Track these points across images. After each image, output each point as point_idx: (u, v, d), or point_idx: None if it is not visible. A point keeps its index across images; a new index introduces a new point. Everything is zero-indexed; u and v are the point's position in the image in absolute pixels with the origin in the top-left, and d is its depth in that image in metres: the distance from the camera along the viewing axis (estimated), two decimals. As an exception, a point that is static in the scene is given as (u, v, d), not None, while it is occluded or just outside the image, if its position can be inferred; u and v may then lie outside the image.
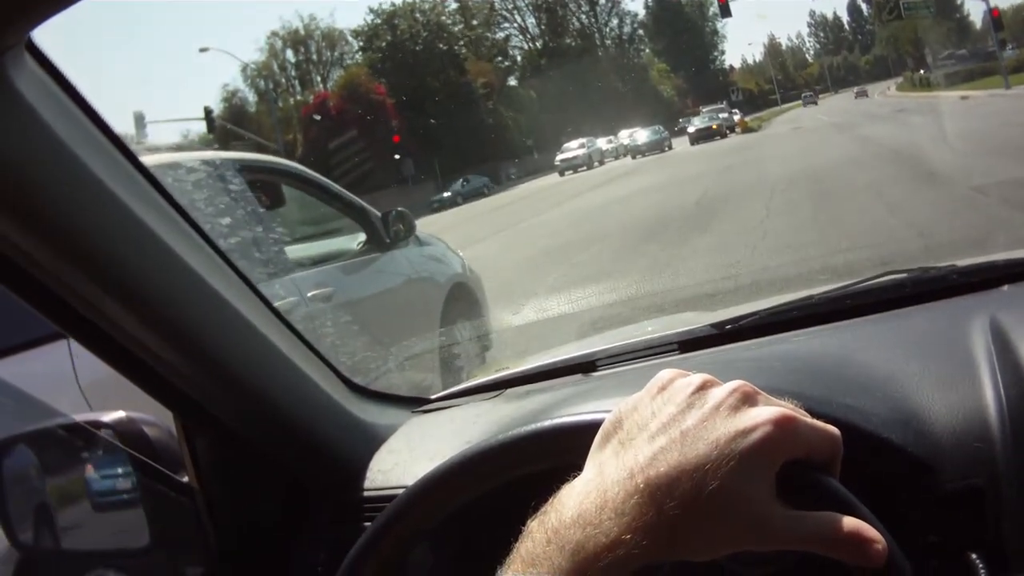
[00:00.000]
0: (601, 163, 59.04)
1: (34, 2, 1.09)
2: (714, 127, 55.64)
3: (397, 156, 54.38)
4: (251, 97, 72.74)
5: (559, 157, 59.32)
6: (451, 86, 69.22)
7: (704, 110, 66.48)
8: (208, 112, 49.74)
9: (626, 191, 27.56)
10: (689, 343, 1.95)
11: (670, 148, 55.69)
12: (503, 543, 1.02)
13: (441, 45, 76.07)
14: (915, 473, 1.27)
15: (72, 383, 4.13)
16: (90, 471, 2.02)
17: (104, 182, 1.34)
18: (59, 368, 4.17)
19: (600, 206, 24.40)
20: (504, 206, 36.54)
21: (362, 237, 6.93)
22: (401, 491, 1.34)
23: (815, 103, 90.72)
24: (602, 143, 62.63)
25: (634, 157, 55.51)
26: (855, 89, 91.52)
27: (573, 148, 59.99)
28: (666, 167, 36.06)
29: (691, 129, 58.05)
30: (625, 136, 62.55)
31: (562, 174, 55.86)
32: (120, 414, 1.83)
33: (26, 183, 1.24)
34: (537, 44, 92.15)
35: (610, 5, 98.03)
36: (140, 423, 1.84)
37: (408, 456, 1.85)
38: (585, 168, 56.27)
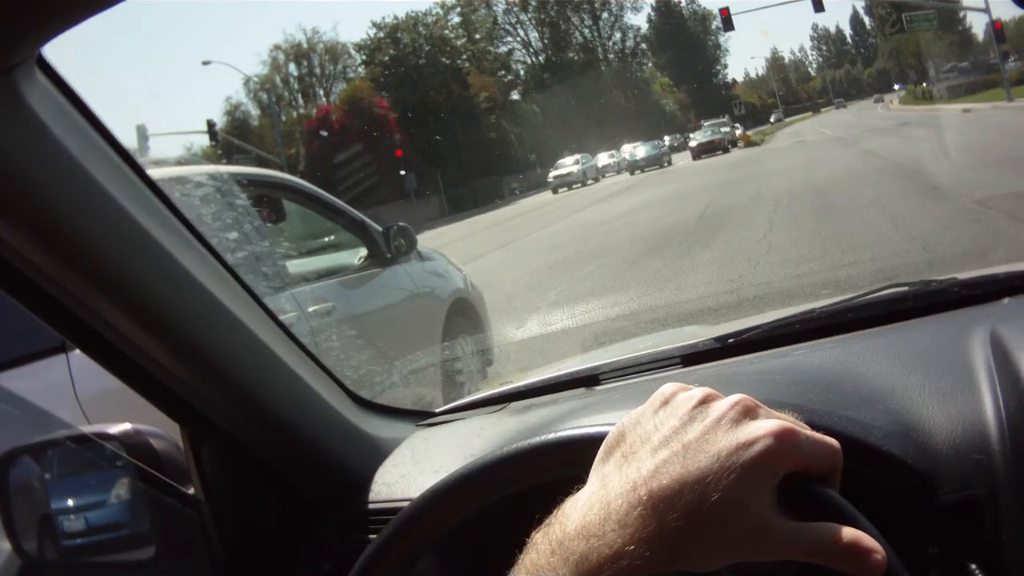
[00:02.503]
0: (597, 180, 57.20)
1: (45, 19, 1.10)
2: (715, 140, 54.72)
3: (400, 171, 54.20)
4: (254, 110, 72.62)
5: (552, 174, 57.08)
6: (454, 100, 68.99)
7: (705, 124, 65.71)
8: (211, 125, 49.68)
9: (627, 207, 27.50)
10: (691, 357, 1.96)
11: (669, 163, 54.65)
12: (507, 554, 1.03)
13: (444, 59, 75.87)
14: (915, 485, 1.28)
15: (69, 397, 4.13)
16: (95, 482, 2.03)
17: (112, 195, 1.35)
18: (55, 382, 4.17)
19: (603, 221, 24.37)
20: (506, 220, 36.53)
21: (363, 252, 6.93)
22: (406, 504, 1.35)
23: (845, 106, 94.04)
24: (603, 157, 61.53)
25: (632, 173, 54.23)
26: (872, 97, 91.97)
27: (567, 164, 57.92)
28: (667, 182, 35.86)
29: (693, 143, 57.03)
30: (627, 150, 60.85)
31: (556, 191, 53.91)
32: (126, 426, 1.84)
33: (36, 194, 1.25)
34: (540, 58, 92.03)
35: (613, 19, 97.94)
36: (146, 435, 1.85)
37: (413, 469, 1.85)
38: (579, 185, 54.44)
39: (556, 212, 33.64)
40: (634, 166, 55.47)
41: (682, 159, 55.25)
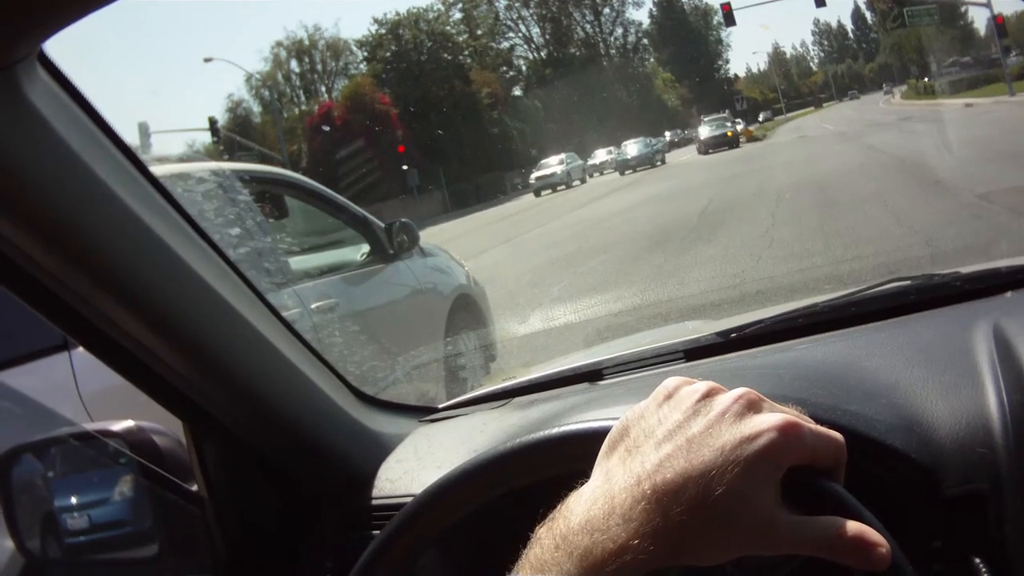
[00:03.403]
0: (584, 180, 54.22)
1: (46, 15, 1.10)
2: (729, 134, 52.55)
3: (403, 167, 54.14)
4: (255, 107, 72.65)
5: (534, 175, 53.58)
6: (456, 96, 68.99)
7: (705, 119, 64.97)
8: (213, 122, 49.77)
9: (628, 203, 27.49)
10: (695, 351, 1.95)
11: (663, 162, 52.50)
12: (512, 549, 1.03)
13: (446, 55, 75.87)
14: (919, 479, 1.28)
15: (72, 394, 4.13)
16: (98, 480, 2.03)
17: (114, 191, 1.35)
18: (58, 380, 4.17)
19: (604, 216, 24.37)
20: (509, 216, 36.54)
21: (366, 248, 6.94)
22: (409, 499, 1.34)
23: (858, 98, 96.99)
24: (601, 153, 59.85)
25: (623, 173, 51.77)
26: (883, 88, 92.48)
27: (551, 164, 53.80)
28: (664, 180, 35.54)
29: (703, 135, 54.86)
30: (622, 147, 57.70)
31: (538, 194, 50.43)
32: (129, 423, 1.84)
33: (37, 191, 1.25)
34: (542, 54, 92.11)
35: (614, 15, 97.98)
36: (149, 432, 1.85)
37: (416, 465, 1.85)
38: (564, 187, 50.98)
39: (556, 209, 33.63)
40: (624, 166, 53.04)
41: (683, 155, 54.87)
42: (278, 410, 1.72)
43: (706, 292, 9.84)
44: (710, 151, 50.56)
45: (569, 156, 54.72)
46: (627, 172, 50.93)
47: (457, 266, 8.18)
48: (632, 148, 54.49)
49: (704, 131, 56.16)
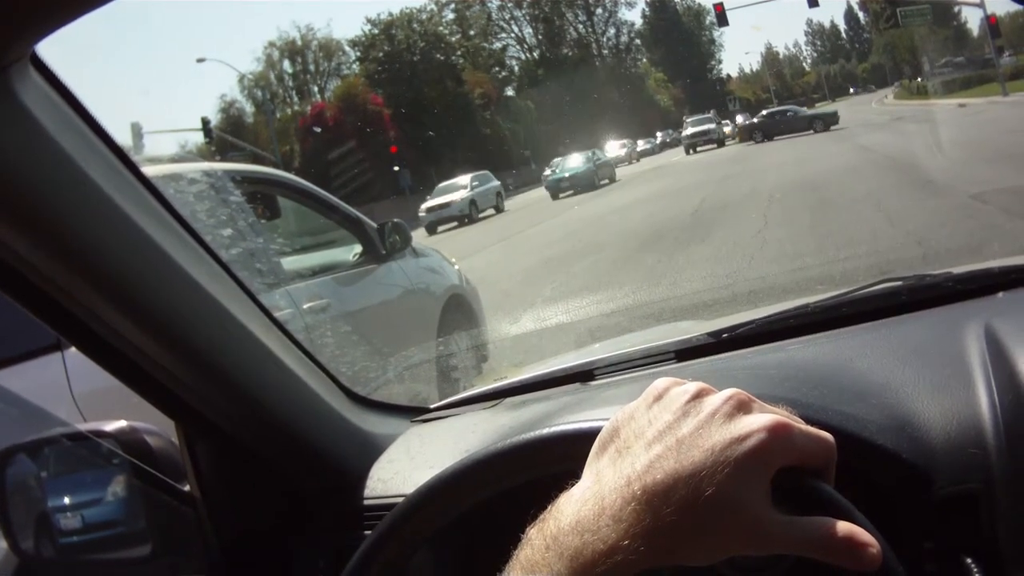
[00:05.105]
0: (499, 208, 41.76)
1: (39, 16, 1.10)
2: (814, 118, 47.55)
3: (395, 167, 54.08)
4: (248, 108, 72.67)
5: (426, 204, 40.40)
6: (448, 96, 69.05)
7: (689, 120, 64.25)
8: (205, 123, 49.75)
9: (622, 203, 27.46)
10: (686, 352, 1.95)
11: (612, 180, 43.95)
12: (502, 550, 1.03)
13: (438, 55, 75.98)
14: (910, 479, 1.28)
15: (65, 395, 4.13)
16: (91, 480, 2.03)
17: (107, 192, 1.35)
18: (51, 380, 4.17)
19: (598, 216, 24.40)
20: (501, 216, 36.51)
21: (358, 248, 6.94)
22: (401, 500, 1.34)
23: (872, 91, 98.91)
24: (563, 161, 48.10)
25: (555, 197, 41.53)
26: (894, 85, 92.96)
27: (458, 186, 41.16)
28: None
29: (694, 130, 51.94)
30: (558, 162, 47.30)
31: (432, 230, 37.66)
32: (122, 423, 1.84)
33: (30, 193, 1.25)
34: (534, 54, 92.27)
35: (607, 15, 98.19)
36: (141, 432, 1.84)
37: (408, 465, 1.85)
38: (467, 220, 38.32)
39: (551, 209, 33.60)
40: (556, 188, 43.26)
41: (672, 155, 54.61)
42: (270, 410, 1.72)
43: (698, 292, 9.86)
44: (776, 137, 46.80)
45: (479, 177, 42.68)
46: (560, 196, 41.97)
47: (449, 266, 8.19)
48: (570, 163, 45.57)
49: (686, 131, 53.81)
